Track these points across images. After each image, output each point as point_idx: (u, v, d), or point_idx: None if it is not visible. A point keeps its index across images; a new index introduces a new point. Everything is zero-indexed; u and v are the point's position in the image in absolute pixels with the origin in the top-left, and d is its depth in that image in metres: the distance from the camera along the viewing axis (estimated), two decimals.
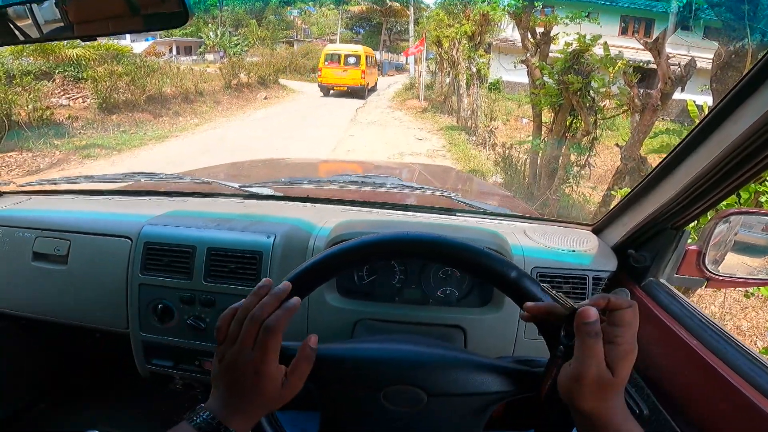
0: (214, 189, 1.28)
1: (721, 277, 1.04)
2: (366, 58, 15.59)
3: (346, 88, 15.30)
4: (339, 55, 15.41)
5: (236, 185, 1.23)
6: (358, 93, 15.37)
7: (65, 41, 10.04)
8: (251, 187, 1.22)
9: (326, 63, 15.61)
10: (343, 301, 1.02)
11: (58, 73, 9.85)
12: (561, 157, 4.49)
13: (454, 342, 0.99)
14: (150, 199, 1.28)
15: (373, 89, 16.60)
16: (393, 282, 1.04)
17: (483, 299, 1.04)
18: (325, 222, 1.08)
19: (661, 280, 0.99)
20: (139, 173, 1.29)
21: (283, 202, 1.28)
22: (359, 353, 0.70)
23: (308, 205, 1.23)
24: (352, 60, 15.39)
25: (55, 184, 1.40)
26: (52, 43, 9.69)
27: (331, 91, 15.73)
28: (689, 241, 0.97)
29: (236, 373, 0.57)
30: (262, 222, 1.10)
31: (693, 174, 0.74)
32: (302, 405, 0.81)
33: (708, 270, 1.01)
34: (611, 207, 1.32)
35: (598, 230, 1.13)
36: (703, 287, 1.09)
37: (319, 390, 0.67)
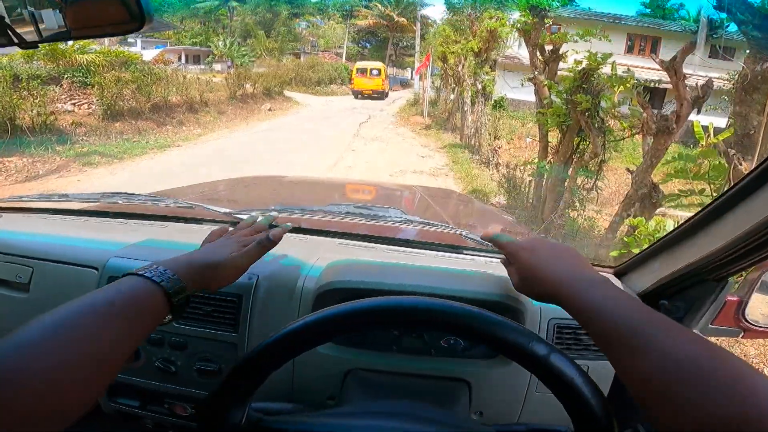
0: (197, 214, 1.17)
1: (760, 328, 0.96)
2: (384, 72, 21.59)
3: (371, 92, 21.11)
4: (366, 69, 21.60)
5: (222, 210, 1.12)
6: (379, 95, 21.19)
7: (76, 46, 10.15)
8: (238, 213, 1.11)
9: (357, 74, 21.57)
10: (334, 348, 0.90)
11: (66, 78, 9.89)
12: (567, 180, 4.38)
13: (458, 398, 0.87)
14: (127, 223, 1.18)
15: (387, 94, 22.38)
16: (391, 329, 0.92)
17: (491, 350, 0.92)
18: (317, 259, 0.96)
19: (695, 331, 0.88)
20: (117, 193, 1.19)
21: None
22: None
23: (298, 237, 1.12)
24: (375, 72, 21.44)
25: (28, 201, 1.29)
26: (63, 47, 9.82)
27: (360, 95, 21.18)
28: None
29: (207, 254, 0.70)
30: None
31: (749, 224, 0.63)
32: None
33: (747, 321, 0.94)
34: (618, 236, 1.21)
35: (620, 273, 1.01)
36: (740, 337, 1.00)
37: None
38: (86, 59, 10.15)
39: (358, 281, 0.86)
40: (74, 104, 9.71)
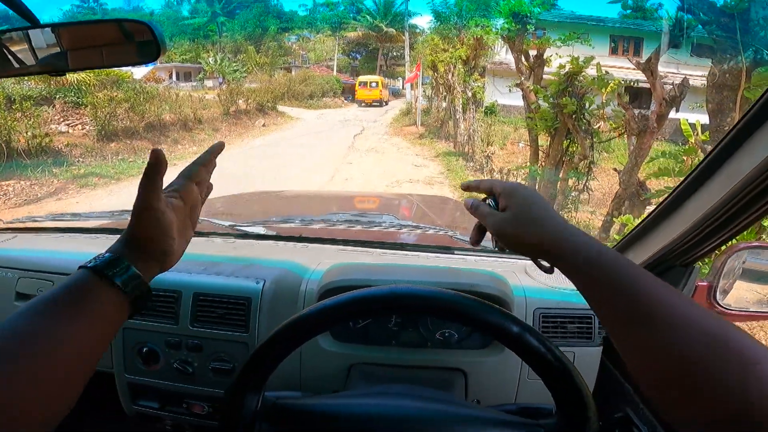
0: (203, 227, 1.24)
1: (734, 311, 1.02)
2: (381, 83, 25.36)
3: (371, 101, 24.41)
4: (366, 82, 25.35)
5: (227, 224, 1.19)
6: (379, 102, 24.55)
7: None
8: (242, 226, 1.18)
9: (359, 87, 25.28)
10: (337, 344, 0.97)
11: (59, 98, 9.91)
12: (559, 182, 4.48)
13: (454, 386, 0.94)
14: None
15: (387, 103, 25.51)
16: (389, 325, 0.99)
17: (484, 341, 0.99)
18: (318, 264, 1.04)
19: None
20: (125, 211, 1.26)
21: (274, 242, 1.24)
22: (353, 409, 0.67)
23: (300, 245, 1.19)
24: (374, 84, 25.05)
25: (41, 221, 1.36)
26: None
27: (362, 104, 24.43)
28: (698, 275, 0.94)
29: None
30: (252, 266, 1.06)
31: (703, 211, 0.70)
32: None
33: (719, 305, 0.99)
34: (611, 235, 1.29)
35: None
36: None
37: None
38: (77, 78, 10.11)
39: (357, 279, 0.94)
40: (68, 125, 9.75)
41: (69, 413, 0.44)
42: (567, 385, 0.61)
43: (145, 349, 1.00)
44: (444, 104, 13.28)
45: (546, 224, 0.57)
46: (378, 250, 1.17)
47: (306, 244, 1.20)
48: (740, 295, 1.03)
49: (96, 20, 0.70)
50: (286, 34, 37.10)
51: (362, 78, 26.76)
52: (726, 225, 0.71)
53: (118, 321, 0.51)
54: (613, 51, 15.84)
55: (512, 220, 0.60)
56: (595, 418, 0.61)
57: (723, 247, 0.98)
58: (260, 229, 1.23)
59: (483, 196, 0.67)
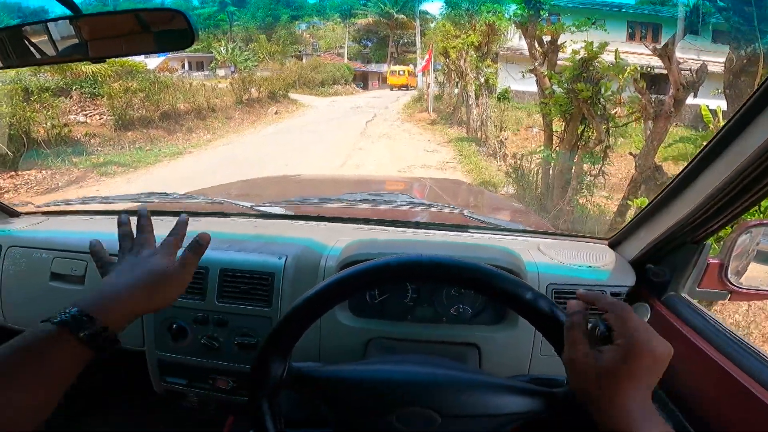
0: (226, 209, 1.29)
1: (744, 290, 1.02)
2: (408, 72, 28.59)
3: (400, 86, 27.65)
4: (396, 71, 29.26)
5: (248, 205, 1.24)
6: (406, 87, 27.20)
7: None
8: (262, 206, 1.23)
9: (390, 75, 29.32)
10: (355, 320, 1.01)
11: (75, 89, 10.06)
12: (574, 167, 4.45)
13: (468, 360, 0.98)
14: (163, 219, 1.30)
15: (416, 87, 26.57)
16: (405, 300, 1.03)
17: (497, 316, 1.02)
18: (336, 242, 1.08)
19: (683, 294, 0.97)
20: (152, 193, 1.31)
21: (294, 221, 1.28)
22: (372, 375, 0.70)
23: (319, 224, 1.23)
24: (401, 72, 28.72)
25: (72, 204, 1.42)
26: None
27: (393, 87, 27.82)
28: (710, 253, 0.95)
29: (145, 274, 0.62)
30: (274, 243, 1.10)
31: (712, 187, 0.72)
32: (315, 424, 0.80)
33: (731, 283, 0.99)
34: (627, 219, 1.30)
35: (614, 244, 1.11)
36: (727, 299, 1.06)
37: (331, 411, 0.67)
38: (92, 69, 10.22)
39: (376, 254, 0.97)
40: (86, 115, 9.92)
41: (97, 394, 0.47)
42: None
43: (174, 326, 1.05)
44: (456, 90, 13.15)
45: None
46: (394, 228, 1.21)
47: (324, 223, 1.24)
48: (754, 275, 1.04)
49: (138, 8, 0.73)
50: (297, 22, 36.89)
51: (393, 68, 31.79)
52: (734, 201, 0.73)
53: (76, 372, 0.53)
54: (631, 37, 15.44)
55: (617, 371, 0.50)
56: None
57: (734, 225, 1.00)
58: (279, 209, 1.27)
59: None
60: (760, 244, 1.02)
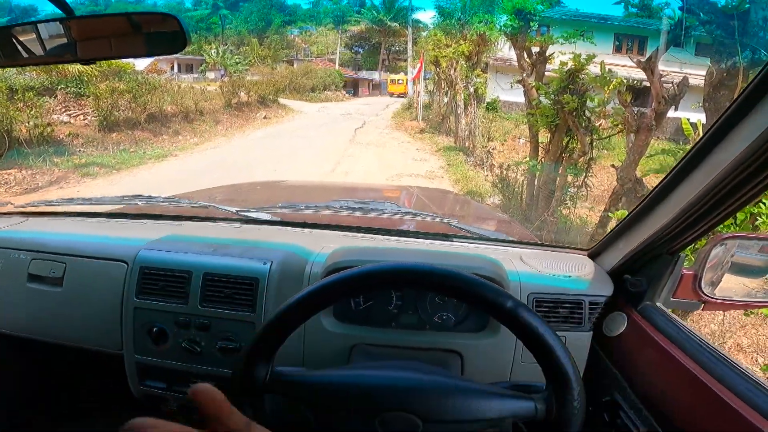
0: (211, 213, 1.29)
1: (717, 300, 1.04)
2: (406, 81, 28.86)
3: (398, 93, 28.49)
4: (395, 80, 30.72)
5: (233, 209, 1.24)
6: (403, 94, 27.74)
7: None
8: (248, 211, 1.22)
9: (390, 83, 31.20)
10: (339, 326, 1.01)
11: (60, 89, 9.88)
12: (558, 178, 4.52)
13: (450, 367, 0.98)
14: (147, 223, 1.29)
15: (406, 94, 28.19)
16: (389, 307, 1.03)
17: (479, 324, 1.03)
18: (322, 248, 1.08)
19: (658, 304, 0.99)
20: (136, 196, 1.30)
21: (280, 227, 1.28)
22: (355, 379, 0.71)
23: (305, 230, 1.24)
24: (400, 81, 29.73)
25: (53, 205, 1.40)
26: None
27: (392, 95, 29.04)
28: (686, 264, 0.98)
29: None
30: (259, 248, 1.10)
31: (687, 200, 0.74)
32: (298, 429, 0.80)
33: (704, 293, 1.02)
34: (608, 230, 1.33)
35: (593, 255, 1.13)
36: (700, 310, 1.09)
37: (314, 415, 0.68)
38: (78, 69, 10.05)
39: (361, 261, 0.98)
40: (70, 115, 9.74)
41: (74, 397, 0.42)
42: (555, 359, 0.65)
43: (155, 329, 1.03)
44: (445, 99, 13.27)
45: None
46: (380, 236, 1.21)
47: (310, 229, 1.24)
48: (728, 286, 1.07)
49: (130, 12, 0.73)
50: (289, 27, 36.92)
51: (392, 76, 33.82)
52: (708, 213, 0.75)
53: None
54: (618, 49, 15.75)
55: None
56: (582, 389, 0.66)
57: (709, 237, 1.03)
58: (265, 215, 1.27)
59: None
60: (734, 256, 1.05)
